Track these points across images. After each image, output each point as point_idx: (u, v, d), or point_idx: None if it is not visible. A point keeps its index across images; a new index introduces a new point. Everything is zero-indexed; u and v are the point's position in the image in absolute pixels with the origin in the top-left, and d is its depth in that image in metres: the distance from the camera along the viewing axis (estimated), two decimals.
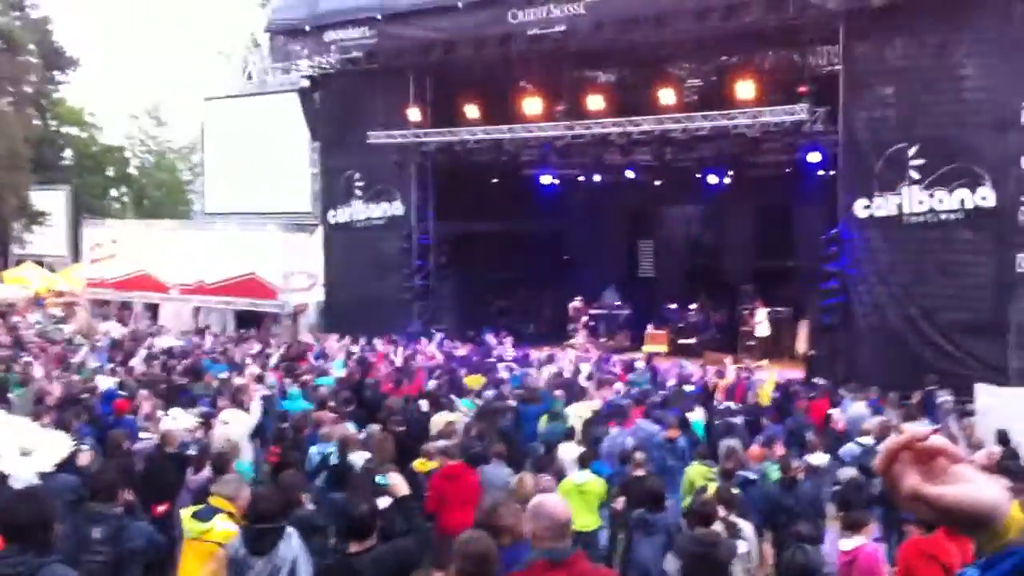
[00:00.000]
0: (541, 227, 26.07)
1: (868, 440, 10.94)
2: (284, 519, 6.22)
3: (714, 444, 11.64)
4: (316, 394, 13.69)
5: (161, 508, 8.73)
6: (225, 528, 6.36)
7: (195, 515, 6.46)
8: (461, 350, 19.87)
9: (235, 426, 11.17)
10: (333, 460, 9.92)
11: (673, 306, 25.01)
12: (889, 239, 17.19)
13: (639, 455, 9.82)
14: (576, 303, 25.46)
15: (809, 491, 9.36)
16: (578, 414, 12.92)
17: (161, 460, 9.70)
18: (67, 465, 8.43)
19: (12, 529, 4.66)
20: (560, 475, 9.53)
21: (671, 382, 16.32)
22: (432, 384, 14.92)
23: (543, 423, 12.72)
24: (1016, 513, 1.58)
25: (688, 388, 15.25)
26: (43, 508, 4.80)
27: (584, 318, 25.30)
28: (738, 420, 12.72)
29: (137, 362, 17.33)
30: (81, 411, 11.71)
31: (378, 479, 7.24)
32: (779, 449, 10.42)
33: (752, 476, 9.52)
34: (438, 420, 12.60)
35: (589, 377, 16.37)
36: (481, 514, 5.24)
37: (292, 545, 5.98)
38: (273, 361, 17.63)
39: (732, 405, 13.58)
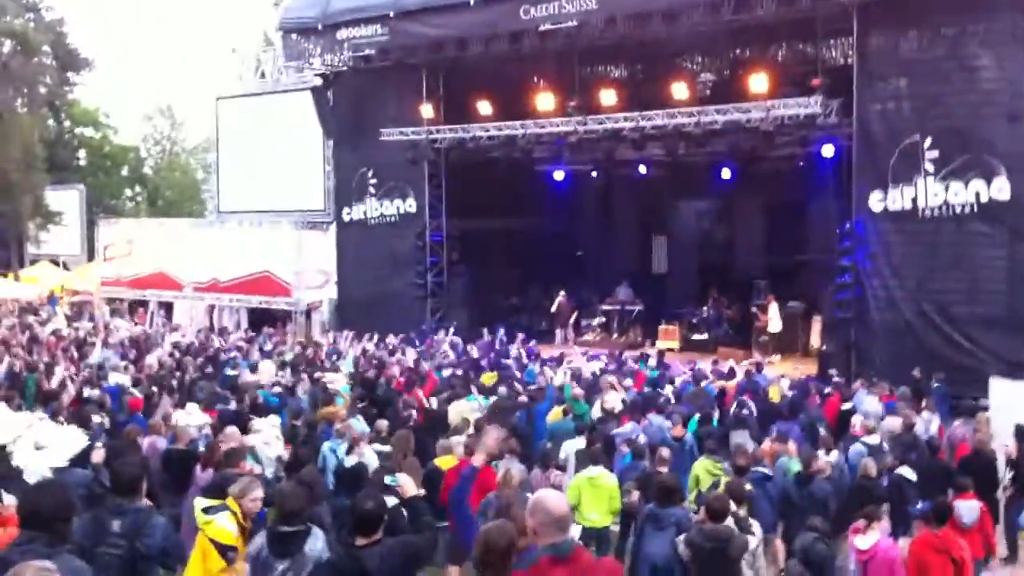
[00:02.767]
0: (553, 223, 25.98)
1: (874, 440, 10.87)
2: (308, 519, 6.05)
3: (725, 439, 11.62)
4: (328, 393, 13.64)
5: None
6: (222, 526, 6.19)
7: (205, 509, 6.36)
8: (474, 351, 19.70)
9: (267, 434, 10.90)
10: (343, 457, 9.94)
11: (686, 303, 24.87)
12: (903, 232, 17.05)
13: (665, 452, 9.77)
14: (560, 298, 25.19)
15: (824, 488, 9.29)
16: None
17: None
18: (80, 460, 8.48)
19: (32, 517, 4.69)
20: (562, 470, 9.49)
21: (680, 378, 16.20)
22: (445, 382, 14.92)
23: (553, 416, 12.71)
24: None
25: (704, 384, 15.15)
26: (63, 499, 4.83)
27: (573, 316, 25.18)
28: (748, 414, 12.69)
29: (152, 359, 17.38)
30: (97, 408, 11.78)
31: (387, 479, 7.16)
32: (791, 446, 10.35)
33: (767, 472, 9.46)
34: (454, 412, 12.61)
35: (601, 373, 16.30)
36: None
37: (317, 547, 5.80)
38: (288, 358, 17.67)
39: (747, 401, 13.47)
